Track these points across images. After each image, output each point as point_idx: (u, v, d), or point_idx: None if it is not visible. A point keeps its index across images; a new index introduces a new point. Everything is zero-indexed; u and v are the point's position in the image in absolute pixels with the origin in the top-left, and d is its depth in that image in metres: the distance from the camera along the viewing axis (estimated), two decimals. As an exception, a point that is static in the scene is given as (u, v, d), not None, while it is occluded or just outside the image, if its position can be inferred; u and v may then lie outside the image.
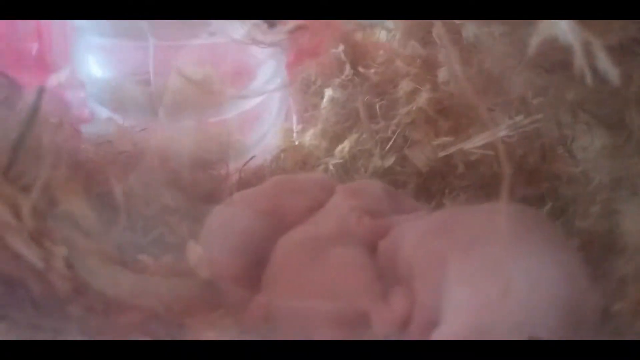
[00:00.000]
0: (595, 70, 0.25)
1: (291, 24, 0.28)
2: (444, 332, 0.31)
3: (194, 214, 0.45)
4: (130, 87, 0.45)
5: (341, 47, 0.56)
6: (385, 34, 0.57)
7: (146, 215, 0.42)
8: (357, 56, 0.56)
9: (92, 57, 0.47)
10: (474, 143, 0.47)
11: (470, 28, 0.42)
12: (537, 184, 0.46)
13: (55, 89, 0.52)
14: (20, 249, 0.22)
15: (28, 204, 0.22)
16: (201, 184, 0.49)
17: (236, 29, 0.39)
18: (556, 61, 0.33)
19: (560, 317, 0.29)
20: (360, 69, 0.55)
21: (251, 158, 0.54)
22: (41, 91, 0.23)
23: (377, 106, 0.53)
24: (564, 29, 0.25)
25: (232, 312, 0.34)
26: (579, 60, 0.25)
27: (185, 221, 0.44)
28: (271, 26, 0.31)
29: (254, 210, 0.43)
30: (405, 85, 0.53)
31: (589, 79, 0.25)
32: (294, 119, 0.60)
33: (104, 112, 0.48)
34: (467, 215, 0.36)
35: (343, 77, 0.56)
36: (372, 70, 0.55)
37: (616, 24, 0.26)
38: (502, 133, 0.44)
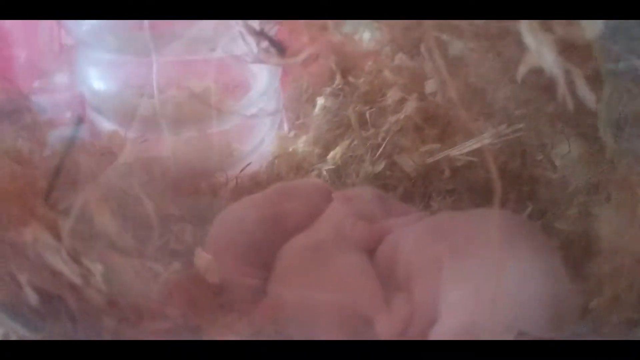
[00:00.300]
0: (573, 94, 0.28)
1: (303, 54, 0.30)
2: (442, 330, 0.34)
3: (196, 221, 0.47)
4: (134, 101, 0.46)
5: (332, 58, 0.58)
6: (373, 45, 0.59)
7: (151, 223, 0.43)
8: (347, 66, 0.58)
9: (97, 72, 0.48)
10: (460, 150, 0.50)
11: (456, 45, 0.45)
12: (518, 188, 0.49)
13: (51, 97, 0.53)
14: (59, 267, 0.24)
15: (67, 225, 0.23)
16: (201, 192, 0.51)
17: (239, 46, 0.40)
18: (538, 82, 0.36)
19: (546, 313, 0.33)
20: (351, 79, 0.57)
21: (247, 165, 0.55)
22: (80, 121, 0.25)
23: (367, 114, 0.56)
24: (548, 61, 0.28)
25: (243, 315, 0.36)
26: (562, 89, 0.28)
27: (188, 228, 0.45)
28: (280, 52, 0.32)
29: (256, 216, 0.45)
30: (393, 94, 0.55)
31: (570, 104, 0.28)
32: (285, 126, 0.62)
33: (108, 125, 0.49)
34: (461, 221, 0.39)
35: (334, 86, 0.58)
36: (362, 80, 0.57)
37: (593, 55, 0.29)
38: (487, 141, 0.47)
